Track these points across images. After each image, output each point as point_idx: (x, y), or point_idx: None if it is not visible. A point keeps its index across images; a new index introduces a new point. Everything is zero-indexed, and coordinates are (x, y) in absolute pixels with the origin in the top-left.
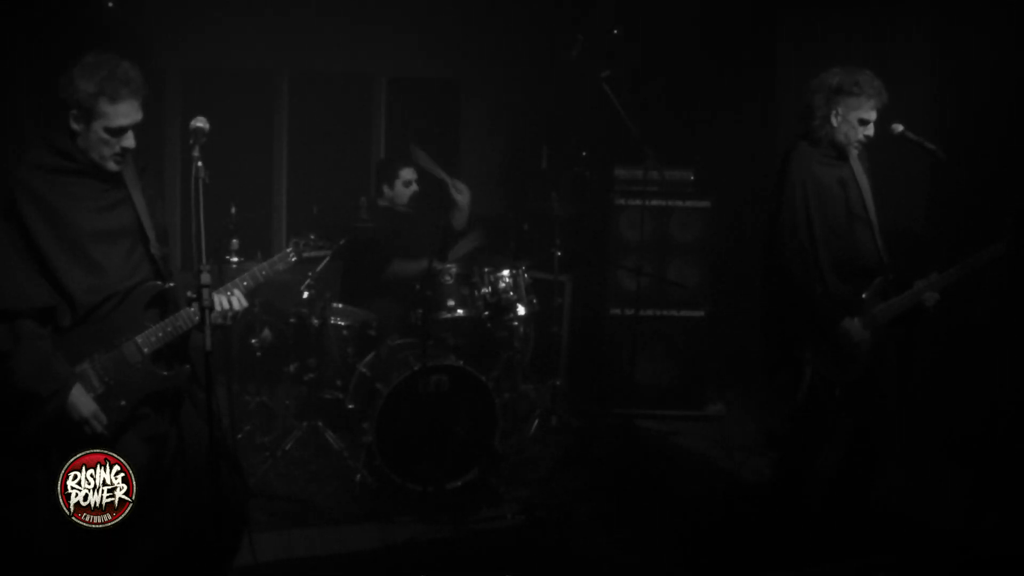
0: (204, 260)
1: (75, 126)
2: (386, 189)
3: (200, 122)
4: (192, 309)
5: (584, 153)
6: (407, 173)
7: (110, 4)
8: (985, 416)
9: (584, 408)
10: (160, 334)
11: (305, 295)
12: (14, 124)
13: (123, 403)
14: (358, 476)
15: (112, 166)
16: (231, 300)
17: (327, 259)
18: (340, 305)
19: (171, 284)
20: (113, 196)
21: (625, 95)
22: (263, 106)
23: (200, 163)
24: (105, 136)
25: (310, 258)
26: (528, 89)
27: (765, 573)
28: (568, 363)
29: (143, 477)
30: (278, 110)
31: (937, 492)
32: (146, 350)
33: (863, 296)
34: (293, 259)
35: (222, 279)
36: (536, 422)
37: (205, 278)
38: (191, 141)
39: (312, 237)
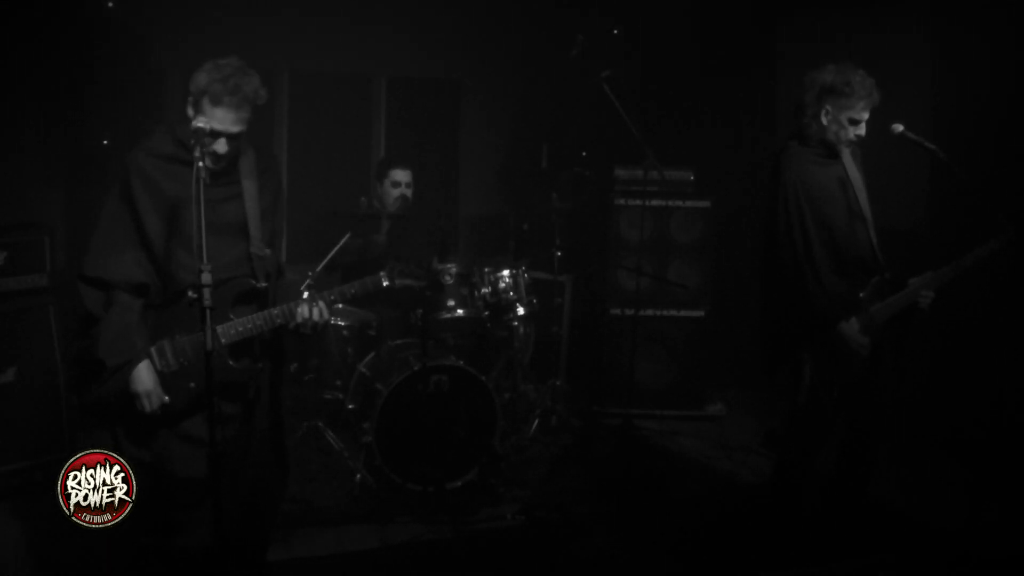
0: (205, 260)
1: (189, 112)
2: (377, 186)
3: (200, 122)
4: (275, 311)
5: (584, 153)
6: (397, 174)
7: (110, 4)
8: (985, 415)
9: (584, 408)
10: (240, 328)
11: (305, 295)
12: (14, 124)
13: (192, 385)
14: (358, 476)
15: (209, 164)
16: (313, 310)
17: (327, 259)
18: (340, 305)
19: (263, 284)
20: (224, 192)
21: (625, 95)
22: (263, 106)
23: (200, 163)
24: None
25: (403, 285)
26: (528, 89)
27: (765, 573)
28: (568, 363)
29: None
30: (278, 110)
31: (937, 491)
32: (224, 340)
33: (860, 295)
34: (385, 284)
35: None
36: (536, 422)
37: (205, 278)
38: (192, 141)
39: (410, 266)
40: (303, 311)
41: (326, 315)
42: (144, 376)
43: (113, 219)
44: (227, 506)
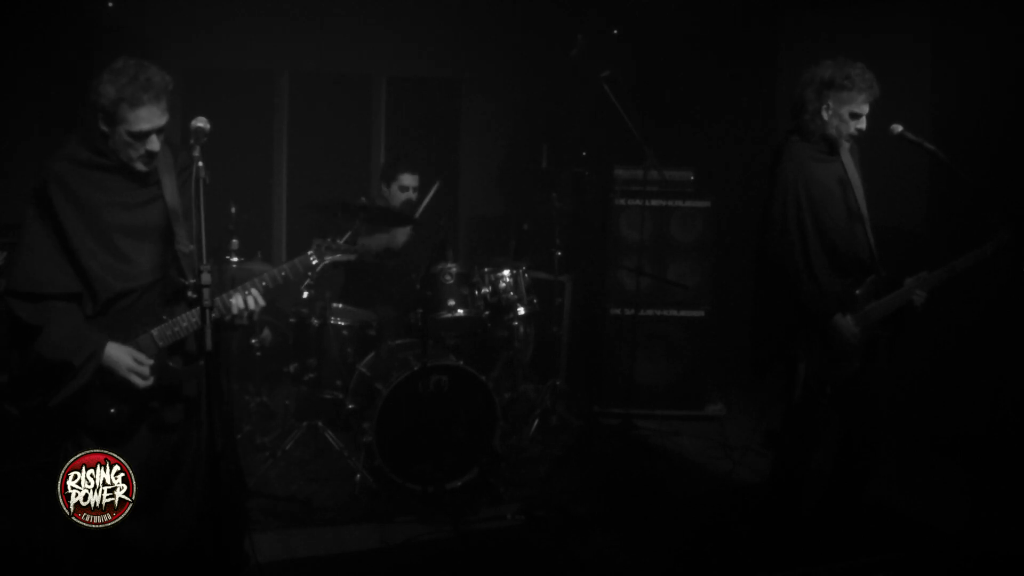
0: (204, 260)
1: (103, 128)
2: (383, 188)
3: (200, 122)
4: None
5: (584, 153)
6: (406, 179)
7: (110, 4)
8: (984, 415)
9: (584, 408)
10: (176, 329)
11: (305, 295)
12: (14, 124)
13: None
14: (358, 476)
15: (140, 167)
16: (247, 299)
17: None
18: (340, 305)
19: (192, 281)
20: (145, 194)
21: (625, 95)
22: (263, 106)
23: (200, 163)
24: (128, 139)
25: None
26: (528, 89)
27: (764, 573)
28: (568, 363)
29: (152, 467)
30: (278, 110)
31: (937, 491)
32: (161, 343)
33: (856, 292)
34: (314, 262)
35: (222, 279)
36: (536, 422)
37: (205, 278)
38: (191, 141)
39: (336, 241)
40: (237, 302)
41: (261, 302)
42: (119, 353)
43: (35, 231)
44: (187, 512)
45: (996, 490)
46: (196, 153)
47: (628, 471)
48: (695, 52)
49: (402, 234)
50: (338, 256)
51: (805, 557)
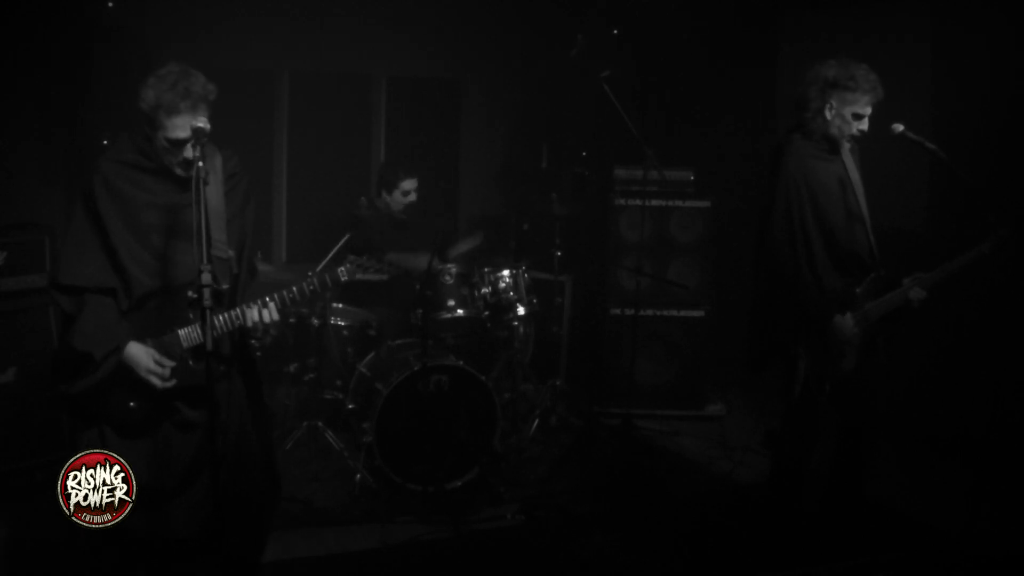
0: (205, 260)
1: (147, 131)
2: (384, 194)
3: (200, 122)
4: (234, 312)
5: (584, 153)
6: (408, 184)
7: (110, 4)
8: (984, 415)
9: (584, 408)
10: (200, 330)
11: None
12: (14, 124)
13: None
14: (358, 476)
15: (180, 172)
16: (262, 313)
17: (328, 258)
18: (340, 305)
19: (224, 286)
20: (187, 197)
21: (625, 95)
22: (263, 106)
23: (201, 163)
24: (166, 145)
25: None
26: (528, 89)
27: (764, 573)
28: (568, 363)
29: (172, 464)
30: (278, 110)
31: (937, 491)
32: (186, 344)
33: (856, 291)
34: (345, 279)
35: None
36: (536, 422)
37: (205, 278)
38: (192, 141)
39: (367, 259)
40: (252, 315)
41: (275, 316)
42: (140, 353)
43: (80, 226)
44: (203, 510)
45: (996, 490)
46: (197, 153)
47: (628, 471)
48: (695, 52)
49: (424, 260)
50: (370, 274)
51: (805, 557)
